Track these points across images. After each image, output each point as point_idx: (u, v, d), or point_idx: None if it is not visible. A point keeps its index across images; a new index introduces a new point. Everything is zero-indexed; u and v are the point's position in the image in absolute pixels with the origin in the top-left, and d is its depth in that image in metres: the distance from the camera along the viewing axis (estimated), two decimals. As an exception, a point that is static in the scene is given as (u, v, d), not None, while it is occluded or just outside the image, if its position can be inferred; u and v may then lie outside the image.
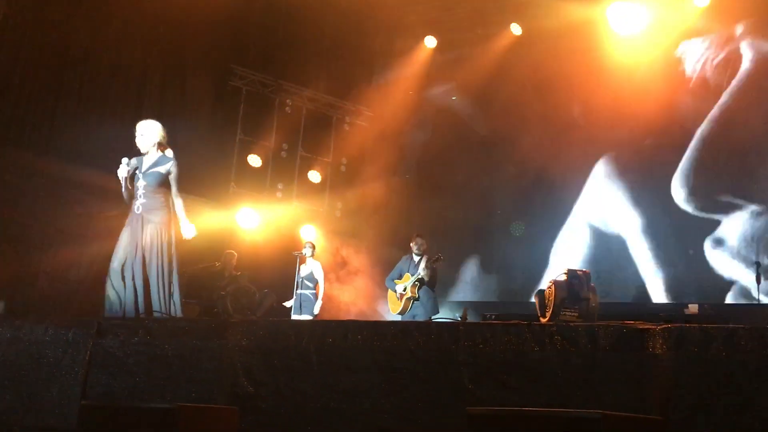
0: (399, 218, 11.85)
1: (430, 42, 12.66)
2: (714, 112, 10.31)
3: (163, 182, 6.10)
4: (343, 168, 13.11)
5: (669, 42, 10.80)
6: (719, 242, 9.97)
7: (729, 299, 9.82)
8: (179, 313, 6.04)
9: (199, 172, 10.63)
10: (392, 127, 12.54)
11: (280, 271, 10.93)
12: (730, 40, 10.47)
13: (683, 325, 3.61)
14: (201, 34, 11.11)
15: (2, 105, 9.09)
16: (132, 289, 5.87)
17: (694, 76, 10.68)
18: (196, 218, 10.31)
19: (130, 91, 10.48)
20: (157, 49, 10.81)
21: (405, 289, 8.48)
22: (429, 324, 4.87)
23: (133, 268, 5.91)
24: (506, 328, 3.94)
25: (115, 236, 6.12)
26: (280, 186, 12.44)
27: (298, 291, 9.71)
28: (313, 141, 12.81)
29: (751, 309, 9.16)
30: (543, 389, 3.71)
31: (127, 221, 6.08)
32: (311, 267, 9.92)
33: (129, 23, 10.31)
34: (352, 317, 10.66)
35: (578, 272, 4.86)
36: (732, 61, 10.37)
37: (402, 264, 8.78)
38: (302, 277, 9.77)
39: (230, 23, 11.48)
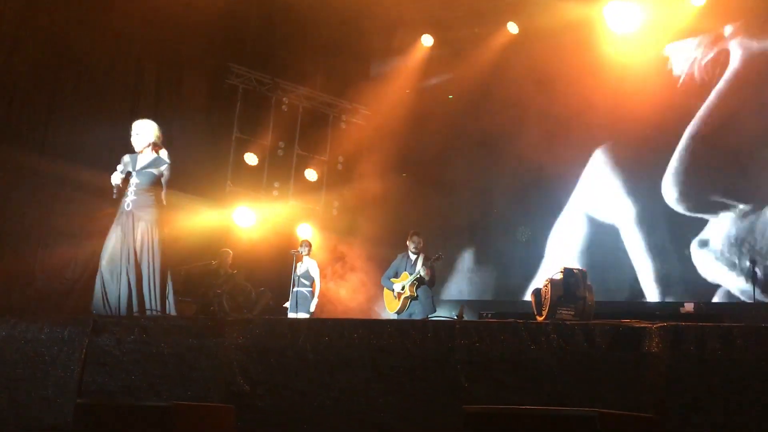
0: (395, 216, 11.85)
1: (427, 40, 12.67)
2: (702, 111, 10.35)
3: (156, 182, 6.12)
4: (339, 166, 13.11)
5: (666, 40, 10.82)
6: (705, 243, 10.01)
7: (717, 298, 9.84)
8: (173, 312, 6.05)
9: (196, 170, 10.64)
10: (389, 125, 12.55)
11: (276, 270, 10.95)
12: (720, 39, 10.49)
13: (679, 323, 3.61)
14: (197, 32, 11.10)
15: (-2, 104, 9.09)
16: (126, 287, 5.88)
17: (683, 76, 10.73)
18: (193, 217, 10.43)
19: (126, 90, 10.47)
20: (153, 47, 10.80)
21: (403, 288, 8.41)
22: (425, 322, 4.87)
23: (126, 266, 5.91)
24: (503, 327, 3.94)
25: (110, 235, 6.12)
26: (276, 184, 12.44)
27: (295, 289, 9.72)
28: (310, 139, 12.82)
29: (746, 307, 9.18)
30: (539, 388, 3.71)
31: (116, 218, 6.09)
32: (307, 265, 9.93)
33: (125, 21, 10.30)
34: (348, 315, 10.67)
35: (575, 271, 4.88)
36: (720, 61, 10.41)
37: (398, 262, 8.71)
38: (298, 276, 9.78)
39: (226, 21, 11.47)
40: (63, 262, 9.35)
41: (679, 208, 10.32)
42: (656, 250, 10.42)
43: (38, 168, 9.27)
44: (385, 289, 8.75)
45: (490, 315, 8.71)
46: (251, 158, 12.05)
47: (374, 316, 10.69)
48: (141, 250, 5.96)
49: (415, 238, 8.62)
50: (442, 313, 9.47)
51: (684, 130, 10.44)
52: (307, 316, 9.49)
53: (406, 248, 8.70)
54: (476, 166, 12.19)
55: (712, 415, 3.32)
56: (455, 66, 12.47)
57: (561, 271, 4.86)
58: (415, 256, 8.58)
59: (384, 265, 9.25)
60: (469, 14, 12.25)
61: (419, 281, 8.39)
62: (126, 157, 6.17)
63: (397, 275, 8.62)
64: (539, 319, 4.78)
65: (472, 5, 12.07)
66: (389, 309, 8.62)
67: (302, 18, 12.00)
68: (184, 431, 3.34)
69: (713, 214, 9.99)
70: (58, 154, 9.36)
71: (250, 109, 12.19)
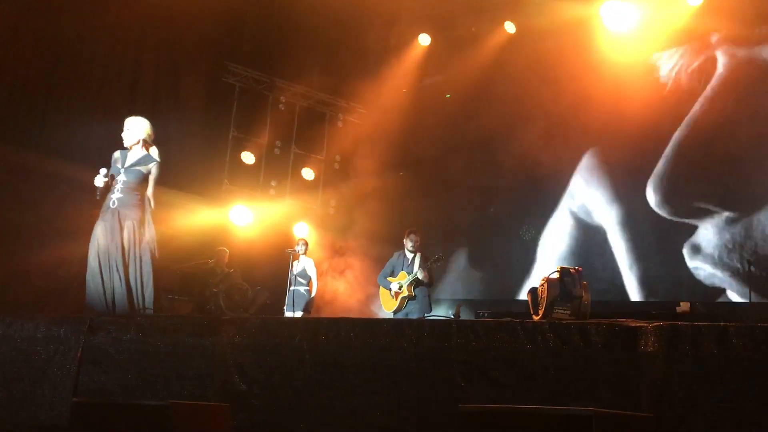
0: (392, 215, 11.85)
1: (424, 39, 12.67)
2: (688, 117, 10.41)
3: (143, 181, 6.09)
4: (336, 165, 13.10)
5: (656, 46, 10.85)
6: (695, 248, 10.05)
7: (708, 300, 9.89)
8: (150, 307, 5.95)
9: (192, 168, 10.63)
10: (386, 123, 12.54)
11: (273, 269, 10.94)
12: (707, 47, 10.53)
13: (675, 323, 3.62)
14: (194, 30, 11.08)
15: (-6, 101, 9.07)
16: (119, 285, 5.86)
17: (670, 82, 10.78)
18: (189, 215, 10.42)
19: (122, 88, 10.45)
20: (150, 45, 10.78)
21: (401, 288, 8.36)
22: (422, 321, 4.87)
23: (116, 263, 5.88)
24: (499, 326, 3.94)
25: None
26: (273, 183, 12.43)
27: (292, 288, 9.71)
28: (307, 138, 12.80)
29: (741, 307, 9.20)
30: (535, 386, 3.72)
31: (101, 216, 6.04)
32: (304, 264, 9.93)
33: (122, 19, 10.28)
34: (345, 314, 10.66)
35: (571, 270, 4.87)
36: (707, 69, 10.46)
37: (394, 261, 8.67)
38: (295, 274, 9.78)
39: (223, 20, 11.45)
40: (59, 260, 9.31)
41: (662, 212, 10.40)
42: (640, 252, 10.50)
43: (34, 166, 9.24)
44: (381, 288, 8.71)
45: (486, 314, 8.71)
46: (248, 157, 12.04)
47: (371, 315, 10.69)
48: (128, 249, 5.93)
49: (412, 236, 8.59)
50: (439, 313, 9.46)
51: (671, 136, 10.50)
52: (303, 315, 9.48)
53: (402, 246, 8.68)
54: (473, 164, 12.19)
55: (707, 415, 3.33)
56: (452, 65, 12.47)
57: (557, 271, 4.86)
58: (412, 255, 8.56)
59: (381, 263, 9.23)
60: (467, 13, 12.26)
61: (417, 281, 8.37)
62: (116, 153, 6.15)
63: (393, 273, 8.58)
64: (535, 318, 4.78)
65: (470, 4, 12.08)
66: (386, 308, 8.57)
67: (299, 17, 11.98)
68: (180, 430, 3.34)
69: (696, 218, 10.07)
70: (55, 152, 9.33)
71: (247, 107, 12.17)
